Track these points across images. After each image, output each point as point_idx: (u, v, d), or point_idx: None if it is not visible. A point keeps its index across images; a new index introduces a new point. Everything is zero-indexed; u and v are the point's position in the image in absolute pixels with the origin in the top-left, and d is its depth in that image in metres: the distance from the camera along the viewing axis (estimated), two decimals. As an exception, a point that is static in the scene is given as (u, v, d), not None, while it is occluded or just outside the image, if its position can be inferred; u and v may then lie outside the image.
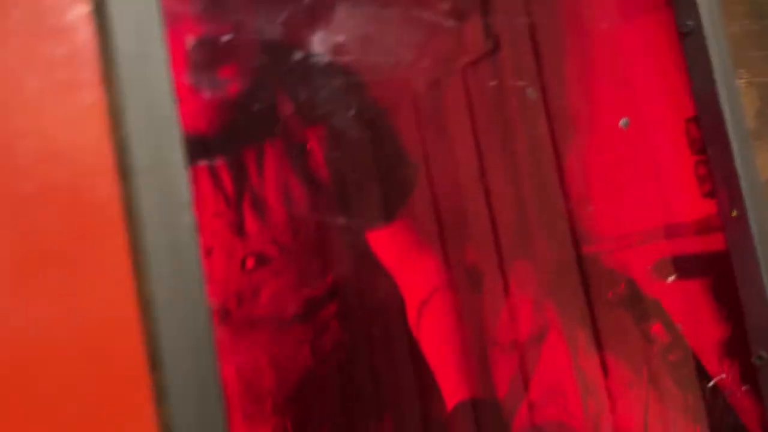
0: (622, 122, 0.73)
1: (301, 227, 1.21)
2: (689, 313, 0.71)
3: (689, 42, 0.50)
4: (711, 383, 0.75)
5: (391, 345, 1.45)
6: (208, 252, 1.11)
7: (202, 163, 1.14)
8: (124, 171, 0.30)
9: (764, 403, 0.44)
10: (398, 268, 1.44)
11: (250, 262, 1.14)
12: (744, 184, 0.48)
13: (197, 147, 1.11)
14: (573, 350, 1.33)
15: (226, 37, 0.98)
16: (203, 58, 1.02)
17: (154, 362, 0.30)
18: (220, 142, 1.14)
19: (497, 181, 1.11)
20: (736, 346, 0.52)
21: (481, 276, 1.44)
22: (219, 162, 1.15)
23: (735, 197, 0.47)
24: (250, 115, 1.12)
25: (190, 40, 1.01)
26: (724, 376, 0.72)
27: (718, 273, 0.51)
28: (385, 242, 1.41)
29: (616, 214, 1.02)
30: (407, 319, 1.47)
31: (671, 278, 0.65)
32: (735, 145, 0.48)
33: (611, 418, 1.23)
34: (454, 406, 1.28)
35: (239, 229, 1.14)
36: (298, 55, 1.01)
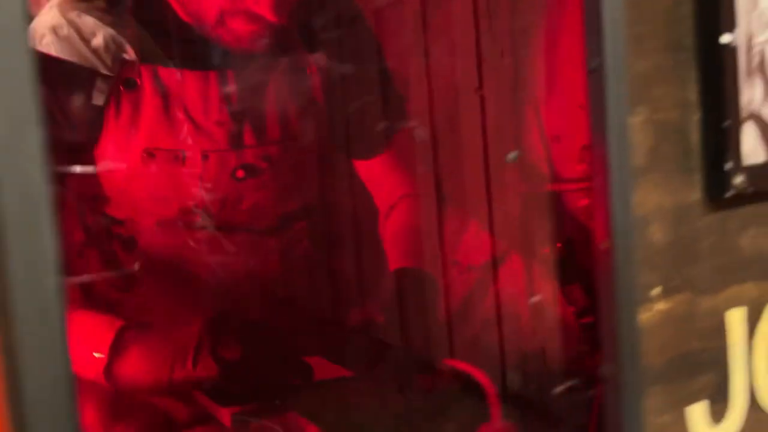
0: (511, 156, 0.75)
1: (292, 148, 1.26)
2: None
3: (592, 79, 0.53)
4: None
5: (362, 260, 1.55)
6: (204, 156, 1.16)
7: (213, 71, 1.18)
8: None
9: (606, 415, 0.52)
10: (376, 185, 1.50)
11: (241, 173, 1.20)
12: (616, 219, 0.53)
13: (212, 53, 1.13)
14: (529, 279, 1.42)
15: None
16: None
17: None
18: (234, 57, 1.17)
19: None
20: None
21: (449, 195, 1.50)
22: (229, 73, 1.17)
23: (606, 231, 0.52)
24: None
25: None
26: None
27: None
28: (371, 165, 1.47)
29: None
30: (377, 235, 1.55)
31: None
32: (614, 181, 0.53)
33: (561, 345, 1.34)
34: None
35: (237, 141, 1.18)
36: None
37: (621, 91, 0.53)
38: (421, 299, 1.46)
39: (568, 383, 0.99)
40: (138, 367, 1.06)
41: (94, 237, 1.25)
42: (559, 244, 0.98)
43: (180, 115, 1.11)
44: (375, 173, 1.39)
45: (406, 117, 1.40)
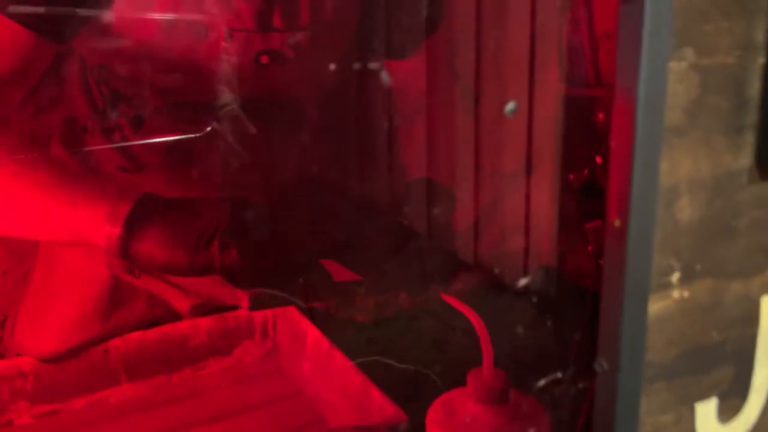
0: (508, 108, 0.62)
1: (323, 38, 1.14)
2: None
3: (625, 10, 0.41)
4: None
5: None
6: (229, 33, 1.06)
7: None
8: None
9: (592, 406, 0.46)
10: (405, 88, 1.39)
11: (265, 58, 1.10)
12: (636, 191, 0.43)
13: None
14: (555, 192, 1.33)
15: None
16: None
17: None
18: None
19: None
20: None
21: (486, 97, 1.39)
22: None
23: (621, 206, 0.42)
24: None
25: None
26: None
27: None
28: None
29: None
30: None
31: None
32: (639, 143, 0.42)
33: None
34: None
35: (266, 23, 1.07)
36: None
37: (662, 26, 0.41)
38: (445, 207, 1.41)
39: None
40: (157, 244, 1.02)
41: (99, 110, 1.18)
42: (585, 171, 0.88)
43: None
44: (407, 76, 1.27)
45: (443, 15, 1.26)
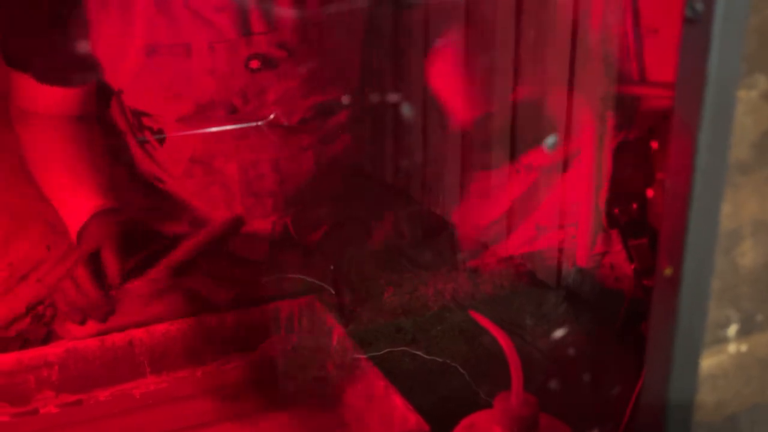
0: (548, 141, 0.57)
1: (314, 32, 1.10)
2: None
3: (689, 32, 0.36)
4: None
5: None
6: (210, 47, 1.05)
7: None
8: None
9: None
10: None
11: (255, 64, 1.07)
12: (692, 236, 0.38)
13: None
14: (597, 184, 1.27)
15: None
16: None
17: None
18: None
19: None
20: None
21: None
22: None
23: (675, 253, 0.38)
24: None
25: None
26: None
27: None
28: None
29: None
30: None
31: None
32: (698, 182, 0.37)
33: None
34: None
35: (244, 29, 1.05)
36: None
37: (732, 50, 0.36)
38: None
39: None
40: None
41: (132, 127, 1.19)
42: (634, 205, 0.81)
43: (176, 5, 0.97)
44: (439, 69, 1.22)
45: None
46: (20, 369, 1.06)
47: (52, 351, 1.09)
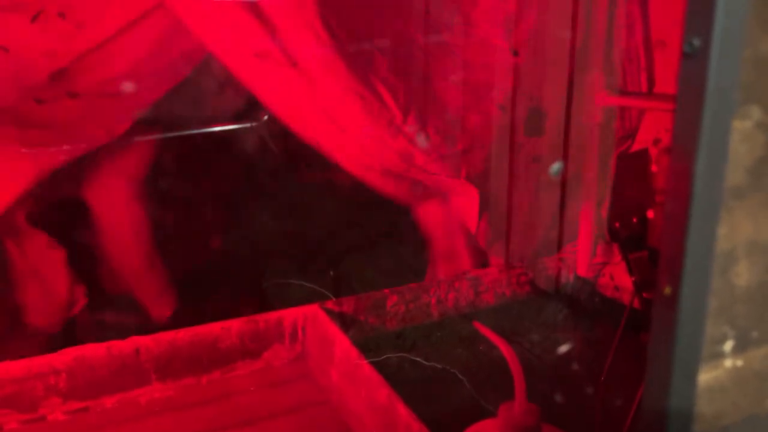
0: (553, 168, 0.59)
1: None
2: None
3: (687, 66, 0.38)
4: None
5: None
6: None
7: None
8: None
9: None
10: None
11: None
12: (690, 256, 0.40)
13: None
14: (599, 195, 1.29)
15: None
16: None
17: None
18: None
19: None
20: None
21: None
22: None
23: (674, 274, 0.40)
24: None
25: None
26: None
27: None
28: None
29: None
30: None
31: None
32: (696, 206, 0.39)
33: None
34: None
35: None
36: None
37: (728, 84, 0.38)
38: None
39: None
40: None
41: None
42: (634, 219, 0.83)
43: None
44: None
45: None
46: (28, 376, 1.08)
47: (59, 358, 1.10)
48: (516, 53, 1.16)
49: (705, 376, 0.42)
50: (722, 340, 0.42)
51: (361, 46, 1.06)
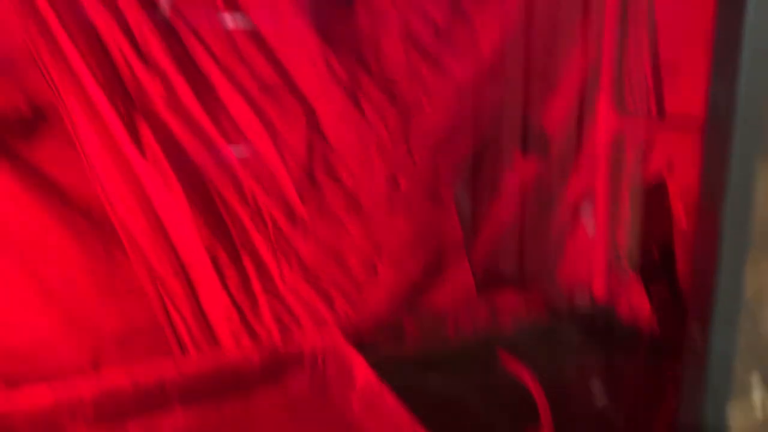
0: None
1: None
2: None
3: (712, 128, 0.39)
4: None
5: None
6: None
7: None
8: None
9: None
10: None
11: None
12: (719, 302, 0.41)
13: None
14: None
15: None
16: None
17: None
18: None
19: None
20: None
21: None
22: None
23: (704, 319, 0.40)
24: None
25: None
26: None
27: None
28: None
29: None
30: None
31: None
32: (724, 252, 0.40)
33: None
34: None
35: None
36: None
37: (752, 144, 0.39)
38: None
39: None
40: None
41: None
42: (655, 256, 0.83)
43: None
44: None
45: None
46: (54, 401, 1.09)
47: (85, 384, 1.11)
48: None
49: (732, 421, 0.43)
50: (750, 382, 0.42)
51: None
